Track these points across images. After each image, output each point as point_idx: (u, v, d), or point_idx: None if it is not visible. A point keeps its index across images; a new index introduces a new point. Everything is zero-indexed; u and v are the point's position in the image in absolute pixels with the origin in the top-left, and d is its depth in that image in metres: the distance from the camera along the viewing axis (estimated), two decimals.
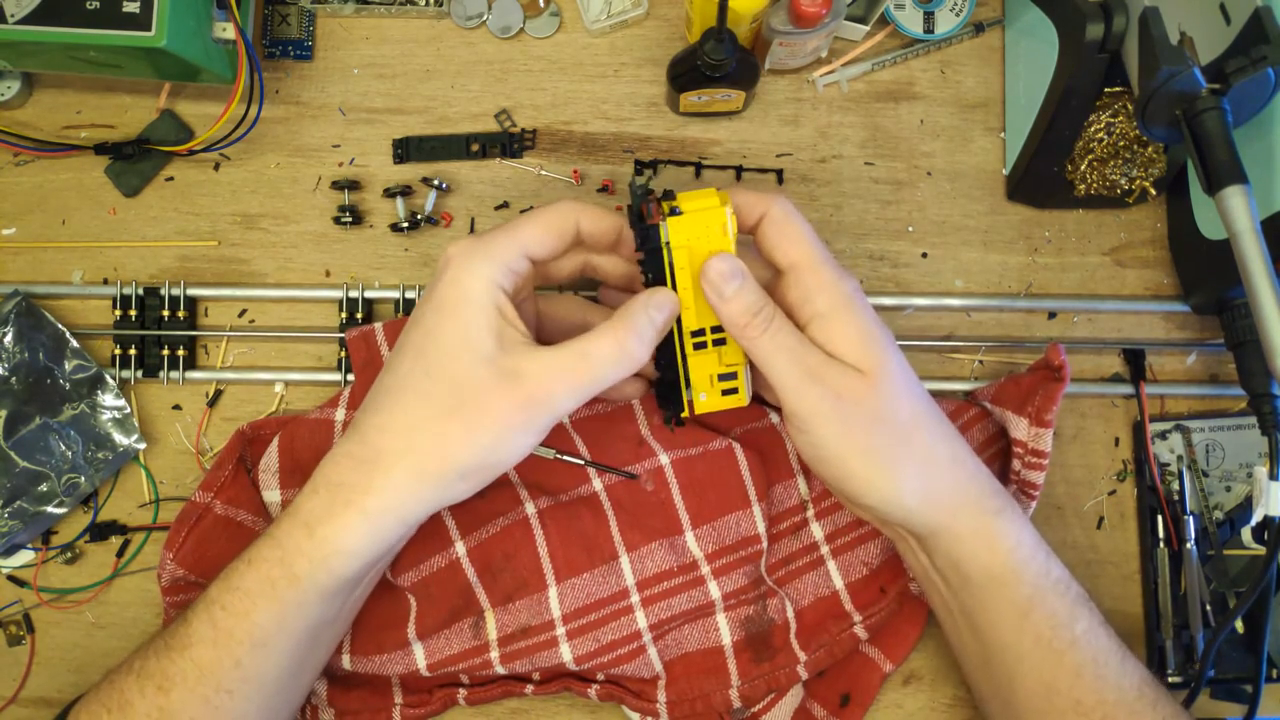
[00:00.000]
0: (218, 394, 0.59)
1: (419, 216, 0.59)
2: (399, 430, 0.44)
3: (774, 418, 0.56)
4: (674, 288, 0.47)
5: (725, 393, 0.50)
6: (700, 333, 0.48)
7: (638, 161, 0.60)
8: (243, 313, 0.59)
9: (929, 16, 0.60)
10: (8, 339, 0.56)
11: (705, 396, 0.50)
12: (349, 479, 0.45)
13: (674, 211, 0.46)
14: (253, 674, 0.45)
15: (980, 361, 0.60)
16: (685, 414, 0.50)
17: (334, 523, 0.44)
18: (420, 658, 0.53)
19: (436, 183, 0.59)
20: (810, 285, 0.47)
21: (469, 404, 0.43)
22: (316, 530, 0.44)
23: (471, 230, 0.60)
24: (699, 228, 0.46)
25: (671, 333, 0.48)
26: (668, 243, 0.47)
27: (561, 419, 0.45)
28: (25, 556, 0.57)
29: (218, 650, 0.45)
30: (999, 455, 0.57)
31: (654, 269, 0.47)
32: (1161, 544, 0.58)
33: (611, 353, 0.44)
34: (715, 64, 0.53)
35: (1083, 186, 0.58)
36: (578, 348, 0.44)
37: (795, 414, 0.46)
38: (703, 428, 0.56)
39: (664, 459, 0.55)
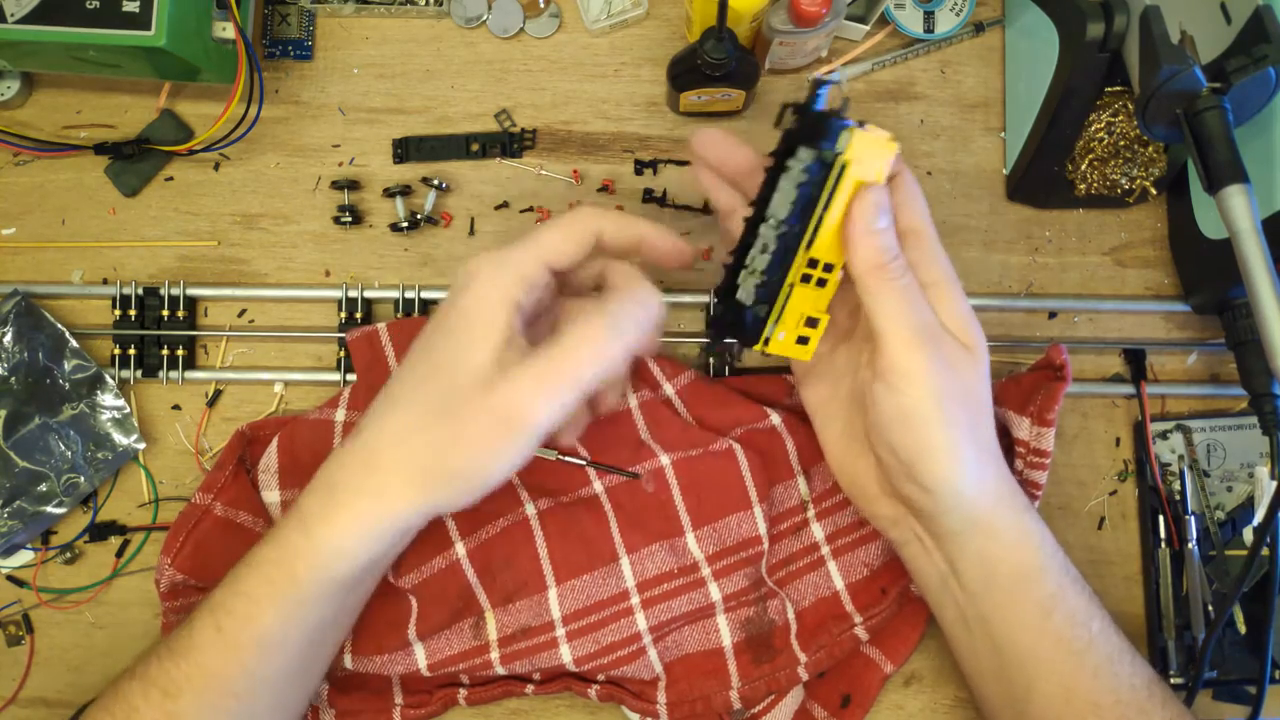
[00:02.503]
0: (217, 394, 0.59)
1: (419, 216, 0.59)
2: (393, 433, 0.44)
3: (775, 419, 0.56)
4: (827, 204, 0.44)
5: (799, 340, 0.47)
6: (815, 264, 0.45)
7: (638, 161, 0.60)
8: (242, 313, 0.59)
9: (929, 16, 0.60)
10: (7, 339, 0.56)
11: (784, 336, 0.47)
12: (343, 479, 0.45)
13: (862, 124, 0.44)
14: (259, 677, 0.45)
15: None
16: (759, 346, 0.47)
17: (329, 523, 0.44)
18: (421, 658, 0.53)
19: (436, 183, 0.59)
20: (927, 252, 0.47)
21: (455, 416, 0.43)
22: (313, 531, 0.44)
23: (471, 231, 0.60)
24: (871, 153, 0.44)
25: (764, 240, 0.45)
26: (840, 152, 0.43)
27: (546, 431, 0.44)
28: (25, 556, 0.57)
29: (224, 655, 0.45)
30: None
31: (816, 176, 0.44)
32: (1163, 544, 0.57)
33: (586, 352, 0.43)
34: (715, 64, 0.53)
35: (1083, 186, 0.58)
36: (546, 351, 0.43)
37: (899, 370, 0.45)
38: (704, 429, 0.56)
39: (664, 460, 0.55)
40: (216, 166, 0.60)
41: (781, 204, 0.44)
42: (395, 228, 0.59)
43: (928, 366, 0.45)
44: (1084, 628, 0.47)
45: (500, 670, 0.53)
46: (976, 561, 0.48)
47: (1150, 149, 0.57)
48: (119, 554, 0.57)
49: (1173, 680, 0.56)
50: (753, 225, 0.45)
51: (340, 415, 0.55)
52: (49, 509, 0.56)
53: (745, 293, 0.45)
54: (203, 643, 0.45)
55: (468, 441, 0.43)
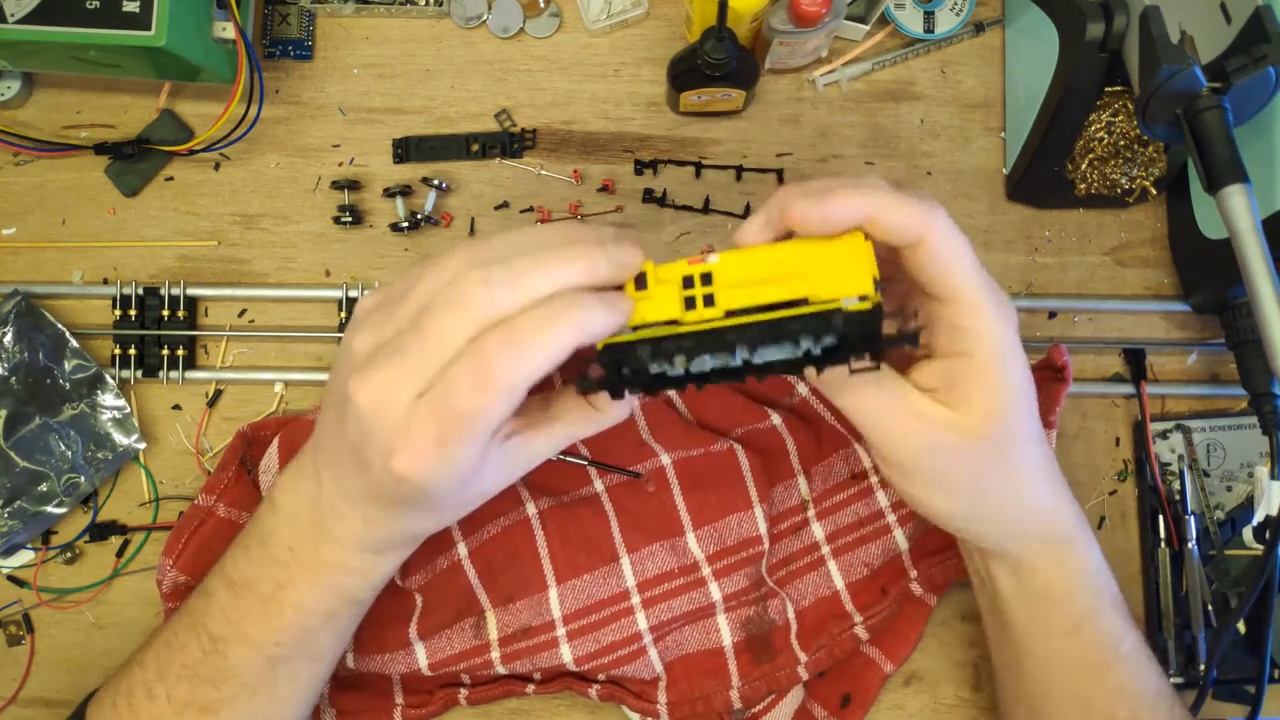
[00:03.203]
0: (218, 394, 0.59)
1: (419, 216, 0.59)
2: (427, 525, 0.45)
3: (775, 419, 0.56)
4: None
5: None
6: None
7: (638, 161, 0.60)
8: (242, 312, 0.59)
9: (929, 16, 0.60)
10: (8, 339, 0.56)
11: None
12: (389, 542, 0.45)
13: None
14: (304, 681, 0.47)
15: None
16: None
17: (390, 563, 0.46)
18: (422, 657, 0.53)
19: (436, 183, 0.59)
20: (966, 326, 0.39)
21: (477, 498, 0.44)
22: (373, 575, 0.46)
23: (471, 231, 0.60)
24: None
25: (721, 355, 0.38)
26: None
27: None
28: (25, 556, 0.57)
29: (273, 673, 0.46)
30: None
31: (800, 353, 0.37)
32: (1163, 544, 0.57)
33: (584, 424, 0.42)
34: (715, 63, 0.53)
35: (1083, 186, 0.58)
36: (551, 426, 0.41)
37: (902, 468, 0.42)
38: (705, 429, 0.56)
39: (665, 460, 0.55)
40: (216, 166, 0.60)
41: (768, 349, 0.37)
42: (395, 228, 0.59)
43: (931, 469, 0.42)
44: (1112, 649, 0.46)
45: (501, 670, 0.53)
46: (1012, 577, 0.47)
47: (1150, 149, 0.57)
48: (119, 554, 0.57)
49: (1172, 680, 0.56)
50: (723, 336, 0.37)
51: None
52: (49, 509, 0.56)
53: (652, 364, 0.38)
54: (247, 670, 0.45)
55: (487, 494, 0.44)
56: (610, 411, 0.42)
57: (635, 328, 0.37)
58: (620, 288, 0.38)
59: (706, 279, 0.38)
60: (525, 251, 0.36)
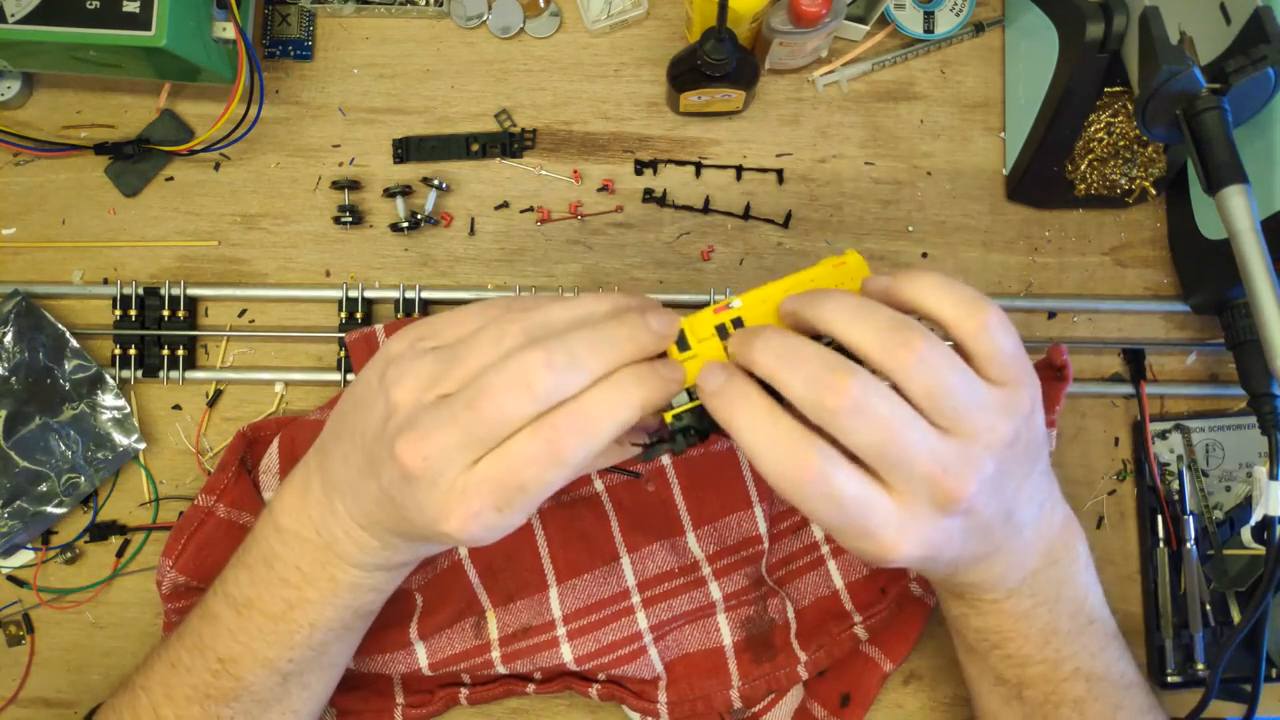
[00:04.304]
0: (218, 394, 0.59)
1: (419, 216, 0.59)
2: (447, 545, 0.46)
3: None
4: None
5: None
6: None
7: (638, 161, 0.60)
8: (243, 313, 0.59)
9: (929, 16, 0.60)
10: (8, 339, 0.56)
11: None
12: (413, 562, 0.46)
13: None
14: (317, 687, 0.48)
15: None
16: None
17: (401, 577, 0.47)
18: (422, 657, 0.53)
19: (436, 183, 0.59)
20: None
21: None
22: (388, 587, 0.46)
23: (471, 231, 0.60)
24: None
25: None
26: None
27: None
28: (25, 556, 0.57)
29: (285, 687, 0.46)
30: None
31: None
32: (1161, 544, 0.58)
33: (610, 459, 0.42)
34: (715, 64, 0.53)
35: (1083, 186, 0.58)
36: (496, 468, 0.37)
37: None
38: None
39: (665, 459, 0.55)
40: (217, 166, 0.60)
41: None
42: (395, 228, 0.59)
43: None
44: (1007, 681, 0.47)
45: (501, 669, 0.53)
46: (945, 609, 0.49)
47: (1150, 149, 0.57)
48: (119, 554, 0.57)
49: (1170, 679, 0.56)
50: None
51: None
52: (49, 509, 0.56)
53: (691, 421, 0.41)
54: (261, 687, 0.46)
55: None
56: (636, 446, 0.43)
57: (689, 389, 0.40)
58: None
59: (738, 324, 0.40)
60: (578, 326, 0.37)
